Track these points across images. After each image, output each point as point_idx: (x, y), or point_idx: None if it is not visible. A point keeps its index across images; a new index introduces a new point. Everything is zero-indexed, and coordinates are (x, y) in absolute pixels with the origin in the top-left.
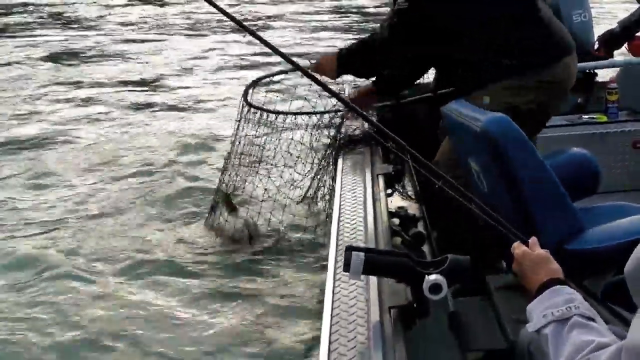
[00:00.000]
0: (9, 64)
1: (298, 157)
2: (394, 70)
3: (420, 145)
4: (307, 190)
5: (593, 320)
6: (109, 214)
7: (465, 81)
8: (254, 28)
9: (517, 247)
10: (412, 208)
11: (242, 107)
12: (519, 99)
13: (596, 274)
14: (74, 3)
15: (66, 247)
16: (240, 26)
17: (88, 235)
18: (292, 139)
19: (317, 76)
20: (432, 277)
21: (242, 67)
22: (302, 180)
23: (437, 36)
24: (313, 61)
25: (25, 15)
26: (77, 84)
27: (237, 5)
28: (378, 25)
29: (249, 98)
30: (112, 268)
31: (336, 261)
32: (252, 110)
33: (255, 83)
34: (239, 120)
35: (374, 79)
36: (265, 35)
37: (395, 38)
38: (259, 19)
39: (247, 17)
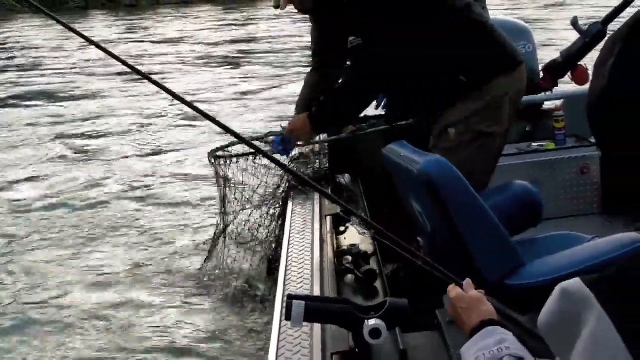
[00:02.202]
0: None
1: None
2: (360, 109)
3: (374, 176)
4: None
5: (523, 359)
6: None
7: (426, 105)
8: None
9: (452, 290)
10: (365, 244)
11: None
12: (483, 125)
13: (538, 308)
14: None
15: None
16: (142, 75)
17: None
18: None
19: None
20: (372, 322)
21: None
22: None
23: (397, 63)
24: (284, 125)
25: None
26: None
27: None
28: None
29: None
30: None
31: (282, 307)
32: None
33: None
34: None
35: (306, 112)
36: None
37: (361, 75)
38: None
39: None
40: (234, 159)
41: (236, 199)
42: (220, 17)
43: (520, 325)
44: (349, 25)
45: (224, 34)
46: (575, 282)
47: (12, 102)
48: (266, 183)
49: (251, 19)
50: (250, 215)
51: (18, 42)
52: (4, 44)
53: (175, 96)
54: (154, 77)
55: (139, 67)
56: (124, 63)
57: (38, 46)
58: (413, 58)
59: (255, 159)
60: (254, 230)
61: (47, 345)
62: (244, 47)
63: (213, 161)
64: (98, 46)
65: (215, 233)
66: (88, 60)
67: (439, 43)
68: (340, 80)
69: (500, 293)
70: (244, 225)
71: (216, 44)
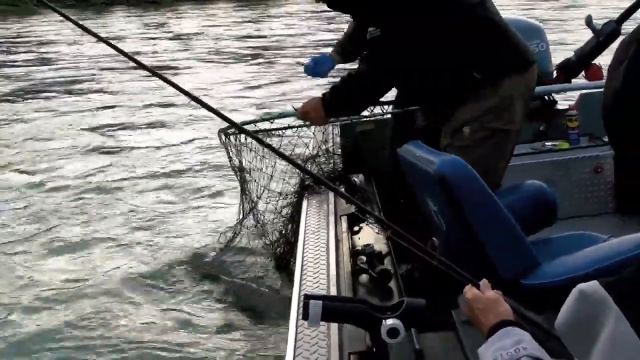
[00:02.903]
0: None
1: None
2: (372, 100)
3: (387, 176)
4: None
5: (541, 359)
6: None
7: (440, 101)
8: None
9: (468, 291)
10: (379, 244)
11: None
12: (497, 122)
13: (553, 308)
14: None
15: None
16: (148, 70)
17: None
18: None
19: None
20: (389, 321)
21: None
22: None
23: (414, 57)
24: (297, 107)
25: None
26: None
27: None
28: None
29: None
30: None
31: (298, 307)
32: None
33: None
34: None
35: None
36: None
37: (376, 68)
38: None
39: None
40: (245, 139)
41: (255, 181)
42: (236, 14)
43: (537, 326)
44: (365, 18)
45: (238, 31)
46: (593, 284)
47: (30, 94)
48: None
49: (266, 17)
50: (265, 207)
51: (40, 37)
52: (27, 39)
53: (179, 89)
54: (168, 72)
55: (151, 63)
56: (132, 59)
57: (55, 41)
58: (427, 54)
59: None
60: (269, 225)
61: (66, 338)
62: (256, 43)
63: (224, 139)
64: (105, 41)
65: (238, 220)
66: (109, 55)
67: (452, 39)
68: (356, 68)
69: (516, 293)
70: (260, 217)
71: (230, 40)
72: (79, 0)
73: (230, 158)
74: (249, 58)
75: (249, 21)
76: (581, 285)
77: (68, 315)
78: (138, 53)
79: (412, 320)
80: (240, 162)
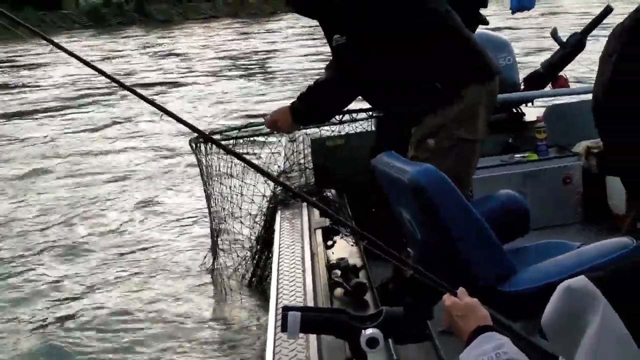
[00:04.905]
0: None
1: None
2: (338, 107)
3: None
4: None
5: None
6: None
7: (404, 111)
8: None
9: (447, 299)
10: (353, 258)
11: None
12: (461, 131)
13: (531, 313)
14: None
15: None
16: (120, 85)
17: None
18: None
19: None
20: (368, 331)
21: None
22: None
23: (379, 67)
24: (267, 116)
25: None
26: None
27: None
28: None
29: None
30: None
31: (276, 320)
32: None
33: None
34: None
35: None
36: None
37: (341, 77)
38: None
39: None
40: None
41: (221, 194)
42: (240, 30)
43: (514, 332)
44: (332, 25)
45: (241, 45)
46: (581, 279)
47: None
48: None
49: (266, 32)
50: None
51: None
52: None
53: (147, 100)
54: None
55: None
56: (104, 74)
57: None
58: (392, 63)
59: (235, 145)
60: (239, 240)
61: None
62: (258, 57)
63: (194, 147)
64: (81, 60)
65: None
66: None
67: (417, 49)
68: (323, 75)
69: (493, 300)
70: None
71: (231, 55)
72: (96, 21)
73: (200, 166)
74: (255, 71)
75: (249, 37)
76: (568, 281)
77: None
78: (148, 68)
79: (391, 328)
80: (209, 171)
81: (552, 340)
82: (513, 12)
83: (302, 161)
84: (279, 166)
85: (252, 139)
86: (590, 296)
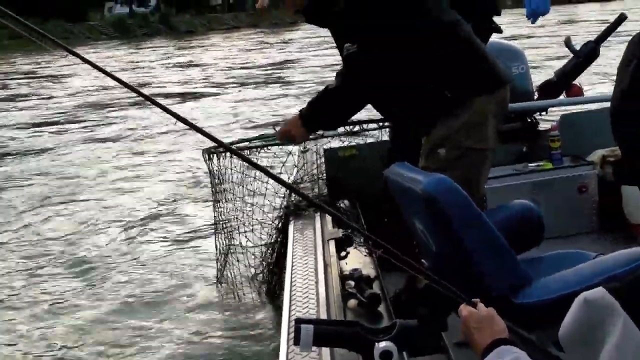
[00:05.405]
0: None
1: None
2: (347, 114)
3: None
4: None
5: None
6: None
7: (415, 120)
8: None
9: (464, 309)
10: (367, 269)
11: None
12: (470, 141)
13: (547, 325)
14: None
15: None
16: (146, 98)
17: None
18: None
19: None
20: (382, 344)
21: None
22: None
23: (386, 76)
24: (278, 128)
25: None
26: None
27: None
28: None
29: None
30: None
31: (289, 332)
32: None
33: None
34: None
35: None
36: None
37: (351, 84)
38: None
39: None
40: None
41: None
42: (261, 40)
43: (531, 344)
44: (341, 32)
45: (258, 55)
46: (599, 291)
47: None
48: (266, 189)
49: (287, 42)
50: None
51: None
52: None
53: (167, 110)
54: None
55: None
56: (126, 85)
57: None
58: (401, 71)
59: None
60: (251, 250)
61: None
62: (274, 68)
63: (207, 157)
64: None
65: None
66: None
67: (417, 50)
68: (333, 82)
69: (507, 311)
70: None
71: (250, 66)
72: (122, 32)
73: (212, 177)
74: (274, 81)
75: (270, 47)
76: (586, 293)
77: None
78: (168, 79)
79: (405, 341)
80: (222, 180)
81: (569, 352)
82: (529, 19)
83: (314, 172)
84: (289, 176)
85: (266, 149)
86: (609, 308)
